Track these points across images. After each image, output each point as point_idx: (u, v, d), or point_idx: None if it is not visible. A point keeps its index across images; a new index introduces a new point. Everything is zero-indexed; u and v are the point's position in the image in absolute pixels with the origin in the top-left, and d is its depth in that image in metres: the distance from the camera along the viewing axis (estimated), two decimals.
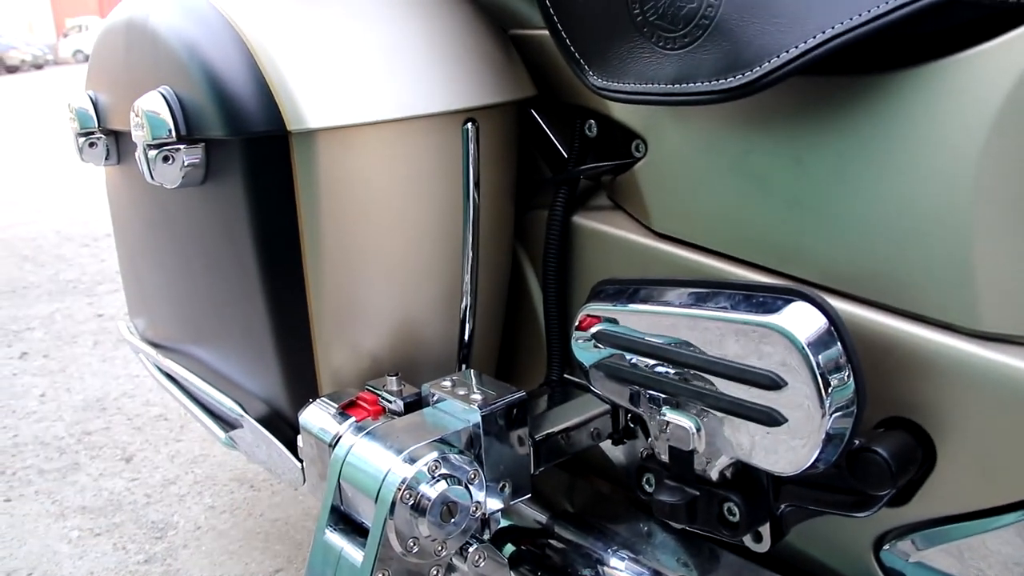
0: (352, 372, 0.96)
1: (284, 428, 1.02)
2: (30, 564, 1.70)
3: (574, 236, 0.98)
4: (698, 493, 0.78)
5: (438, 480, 0.77)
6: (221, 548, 1.71)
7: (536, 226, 1.04)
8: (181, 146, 0.94)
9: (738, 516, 0.76)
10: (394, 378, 0.89)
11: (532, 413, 0.88)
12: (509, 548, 0.98)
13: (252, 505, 1.85)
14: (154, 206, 1.18)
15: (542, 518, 0.99)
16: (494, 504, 0.84)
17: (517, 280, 1.08)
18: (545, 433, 0.86)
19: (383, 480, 0.77)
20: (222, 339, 1.10)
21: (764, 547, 0.78)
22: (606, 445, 0.94)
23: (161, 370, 1.39)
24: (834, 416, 0.67)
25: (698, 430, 0.75)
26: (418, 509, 0.77)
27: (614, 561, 0.91)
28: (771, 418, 0.69)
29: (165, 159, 0.94)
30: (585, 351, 0.84)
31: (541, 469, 0.86)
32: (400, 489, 0.76)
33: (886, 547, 0.79)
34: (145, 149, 0.95)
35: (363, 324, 0.96)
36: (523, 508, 1.01)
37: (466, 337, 1.01)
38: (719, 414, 0.73)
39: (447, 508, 0.77)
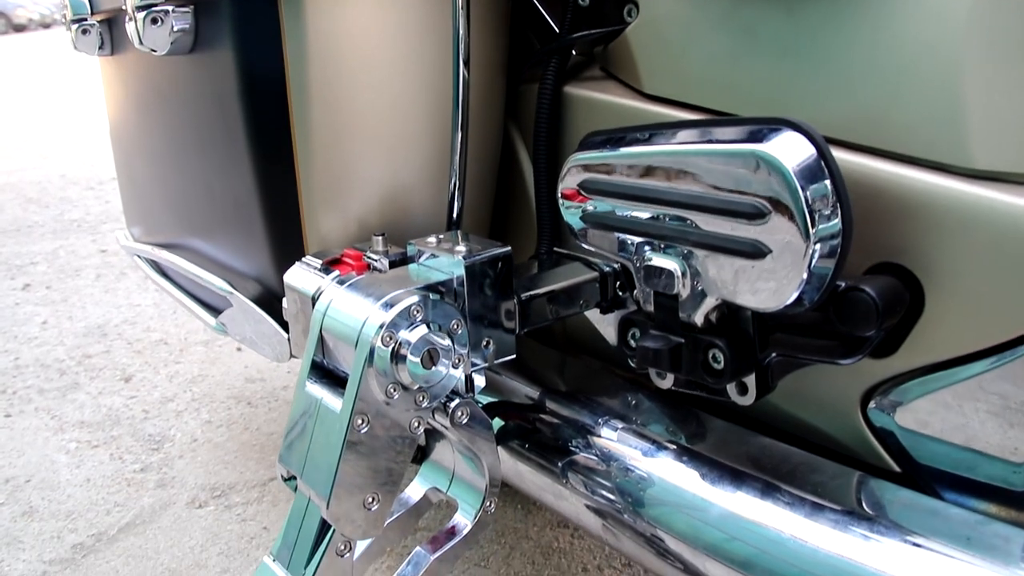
0: (340, 238, 0.95)
1: (273, 303, 1.01)
2: (28, 472, 1.71)
3: (565, 106, 0.97)
4: (683, 340, 0.76)
5: (418, 325, 0.76)
6: (216, 459, 1.71)
7: (528, 101, 1.02)
8: (169, 7, 0.93)
9: (723, 363, 0.75)
10: (380, 238, 0.88)
11: (520, 277, 0.87)
12: (498, 423, 0.98)
13: (249, 420, 1.86)
14: (147, 89, 1.17)
15: (532, 393, 0.98)
16: (477, 361, 0.83)
17: (508, 157, 1.06)
18: (531, 294, 0.85)
19: (363, 324, 0.76)
20: (213, 219, 1.09)
21: (749, 399, 0.77)
22: (595, 318, 0.93)
23: (156, 270, 1.39)
24: (819, 246, 0.65)
25: (683, 273, 0.74)
26: (398, 355, 0.76)
27: (605, 431, 0.90)
28: (756, 250, 0.67)
29: (154, 21, 0.93)
30: (572, 210, 0.83)
31: (526, 330, 0.85)
32: (379, 333, 0.75)
33: (872, 404, 0.78)
34: (134, 11, 0.93)
35: (351, 189, 0.95)
36: (512, 384, 1.00)
37: (455, 212, 0.99)
38: (704, 252, 0.72)
39: (428, 354, 0.76)
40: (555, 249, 0.97)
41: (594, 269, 0.89)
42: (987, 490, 0.74)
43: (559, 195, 0.84)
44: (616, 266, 0.88)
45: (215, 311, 1.18)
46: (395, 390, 0.76)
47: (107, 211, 3.73)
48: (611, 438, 0.89)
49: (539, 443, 0.95)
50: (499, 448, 0.93)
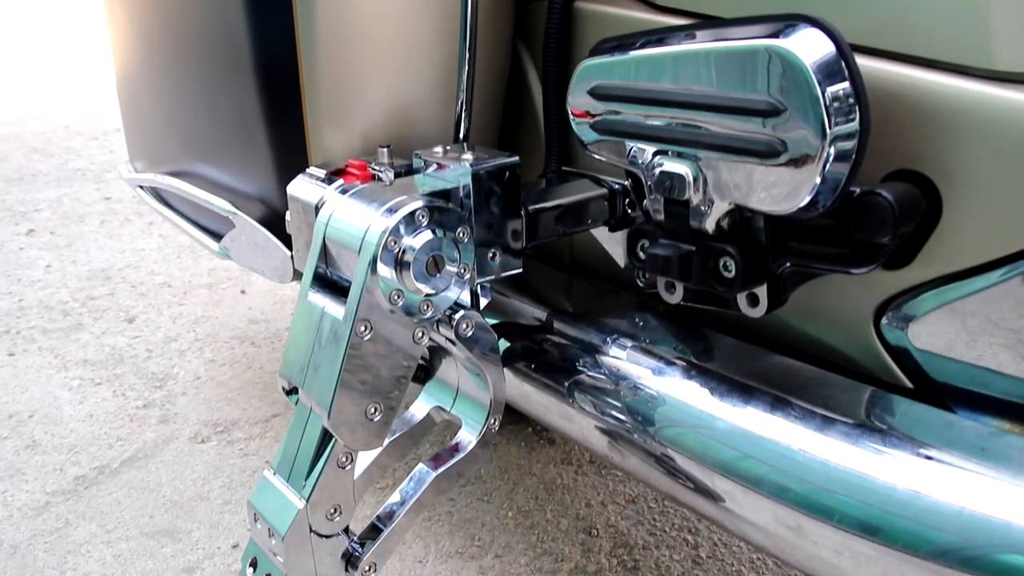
0: (344, 153, 0.93)
1: (276, 222, 1.00)
2: (31, 408, 1.70)
3: (575, 22, 0.94)
4: (694, 248, 0.75)
5: (423, 231, 0.74)
6: (219, 396, 1.71)
7: (537, 19, 1.00)
8: None
9: (734, 270, 0.73)
10: (385, 149, 0.86)
11: (528, 191, 0.85)
12: (504, 344, 0.96)
13: (252, 359, 1.85)
14: (151, 10, 1.15)
15: (539, 314, 0.97)
16: (483, 274, 0.81)
17: (517, 77, 1.04)
18: (538, 207, 0.83)
19: (366, 231, 0.74)
20: (217, 140, 1.07)
21: (760, 311, 0.76)
22: (603, 237, 0.91)
23: (158, 199, 1.37)
24: (834, 147, 0.63)
25: (695, 177, 0.72)
26: (402, 262, 0.74)
27: (613, 350, 0.88)
28: (770, 149, 0.65)
29: None
30: (581, 121, 0.81)
31: (533, 244, 0.84)
32: (383, 238, 0.73)
33: (885, 320, 0.77)
34: None
35: (356, 103, 0.93)
36: (518, 305, 0.99)
37: (462, 130, 0.97)
38: (717, 155, 0.70)
39: (432, 260, 0.75)
40: (563, 168, 0.95)
41: (603, 186, 0.88)
42: (1002, 405, 0.73)
43: (568, 106, 0.82)
44: (626, 183, 0.86)
45: (217, 236, 1.17)
46: (399, 296, 0.75)
47: (111, 160, 3.71)
48: (619, 356, 0.88)
49: (545, 364, 0.93)
50: (505, 370, 0.92)
